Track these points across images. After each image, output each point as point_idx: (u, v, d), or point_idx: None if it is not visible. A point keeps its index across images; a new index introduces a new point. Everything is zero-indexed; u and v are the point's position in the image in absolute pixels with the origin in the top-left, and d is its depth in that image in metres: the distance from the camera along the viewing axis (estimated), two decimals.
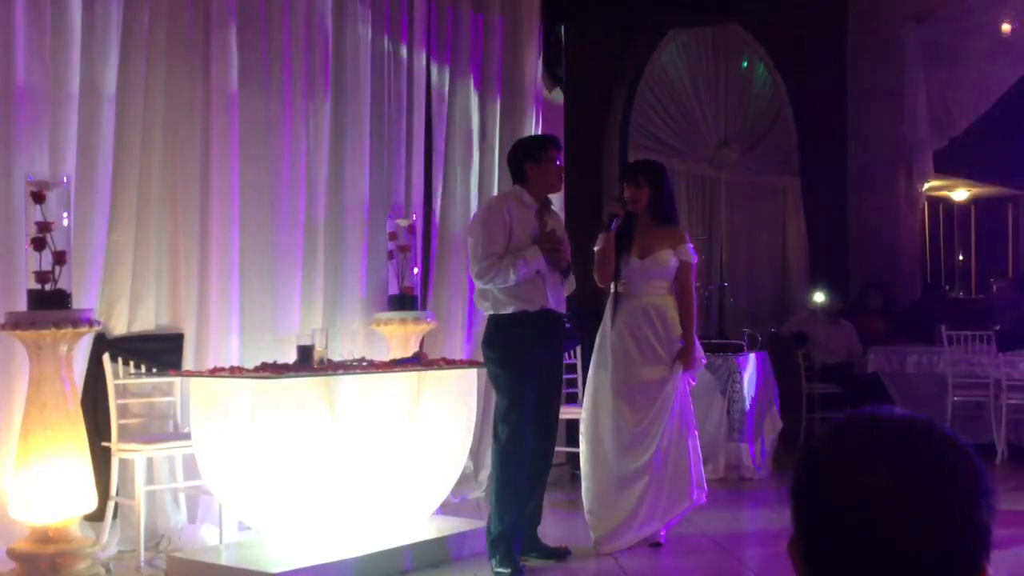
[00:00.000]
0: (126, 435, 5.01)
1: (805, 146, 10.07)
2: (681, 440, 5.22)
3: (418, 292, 6.30)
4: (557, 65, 7.44)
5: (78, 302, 4.61)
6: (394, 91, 6.49)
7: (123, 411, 5.09)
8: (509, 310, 4.87)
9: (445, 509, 5.56)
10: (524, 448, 4.83)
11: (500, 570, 4.76)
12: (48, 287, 4.38)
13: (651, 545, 5.24)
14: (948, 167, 10.61)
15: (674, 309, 5.25)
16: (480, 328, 6.28)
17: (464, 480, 6.12)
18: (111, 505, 5.00)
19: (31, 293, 4.43)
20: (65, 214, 4.47)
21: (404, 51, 6.54)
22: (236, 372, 4.78)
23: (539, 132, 6.90)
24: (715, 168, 9.46)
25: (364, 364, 5.13)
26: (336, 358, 5.35)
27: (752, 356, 7.61)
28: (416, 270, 6.30)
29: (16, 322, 4.36)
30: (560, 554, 5.08)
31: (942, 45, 9.91)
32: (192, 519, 5.38)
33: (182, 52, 5.42)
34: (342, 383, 4.79)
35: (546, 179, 4.99)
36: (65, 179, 4.56)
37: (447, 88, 6.78)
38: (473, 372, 5.39)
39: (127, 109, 5.23)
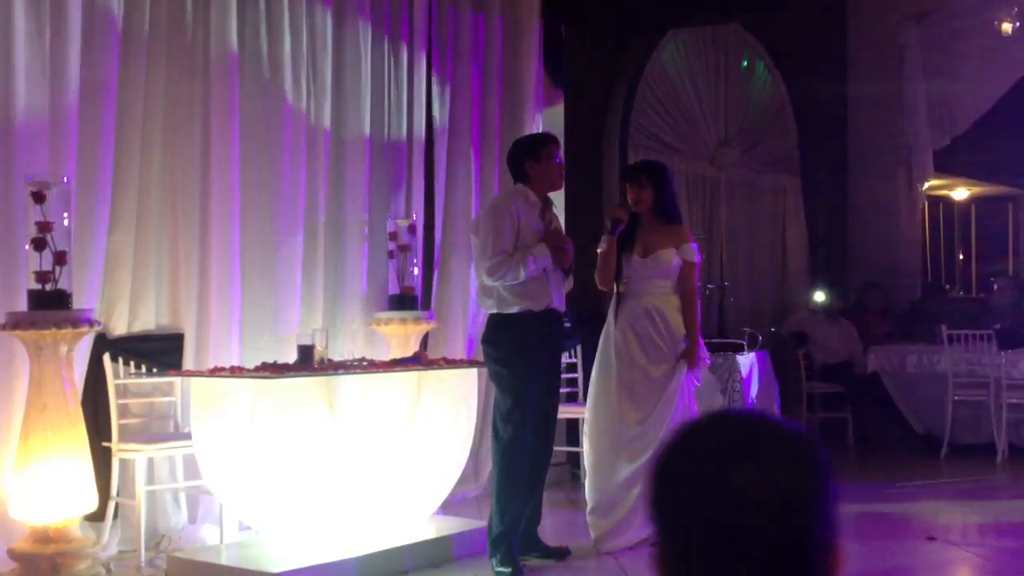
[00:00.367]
0: (126, 435, 5.01)
1: (805, 146, 10.07)
2: None
3: (419, 292, 6.30)
4: (557, 65, 7.44)
5: (78, 302, 4.61)
6: (394, 91, 6.49)
7: (123, 411, 5.09)
8: (514, 309, 4.87)
9: (445, 509, 5.56)
10: (526, 447, 4.83)
11: (500, 569, 4.76)
12: (48, 287, 4.38)
13: (652, 545, 5.23)
14: (948, 166, 10.60)
15: (676, 309, 5.24)
16: (480, 327, 6.28)
17: (464, 480, 6.12)
18: (111, 505, 5.00)
19: (31, 293, 4.43)
20: (65, 214, 4.47)
21: (404, 51, 6.54)
22: (236, 372, 4.78)
23: (539, 132, 6.90)
24: (715, 167, 9.46)
25: (364, 364, 5.13)
26: (336, 358, 5.35)
27: (752, 355, 7.61)
28: (416, 270, 6.30)
29: (16, 322, 4.36)
30: (560, 554, 5.08)
31: (942, 45, 9.91)
32: (192, 519, 5.38)
33: (182, 52, 5.42)
34: (342, 383, 4.79)
35: (547, 177, 5.00)
36: (65, 179, 4.56)
37: (447, 88, 6.79)
38: (474, 372, 5.39)
39: (127, 109, 5.23)
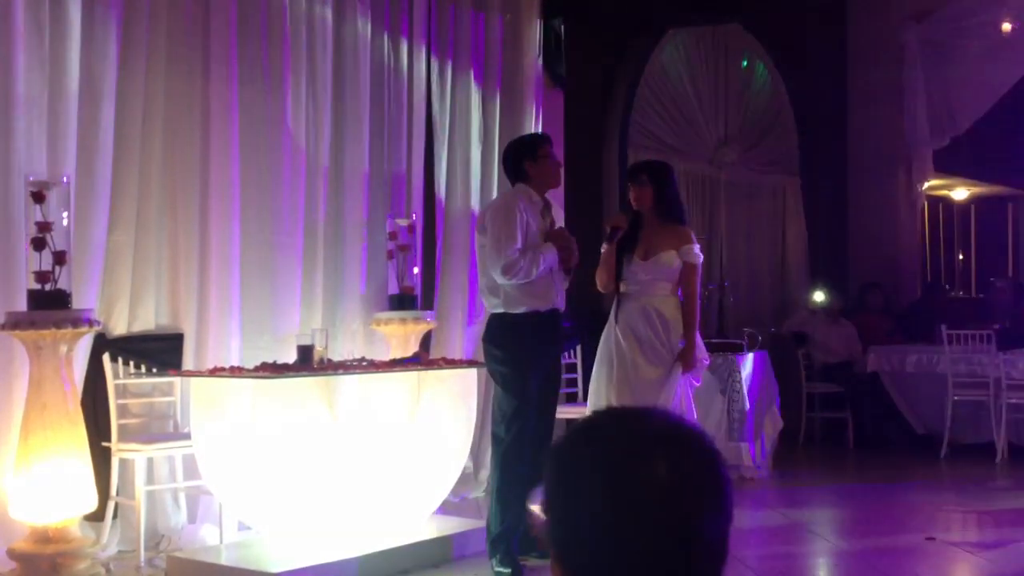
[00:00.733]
0: (126, 435, 5.01)
1: (805, 146, 10.07)
2: None
3: (418, 292, 6.30)
4: (557, 64, 7.44)
5: (78, 302, 4.60)
6: (394, 90, 6.49)
7: (123, 411, 5.09)
8: (521, 309, 4.86)
9: (445, 509, 5.56)
10: (527, 447, 4.84)
11: (500, 569, 4.76)
12: (48, 287, 4.37)
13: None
14: (948, 166, 10.61)
15: (676, 310, 5.23)
16: (480, 327, 6.28)
17: (464, 480, 6.12)
18: (111, 505, 4.99)
19: (31, 293, 4.43)
20: (65, 214, 4.47)
21: (404, 50, 6.54)
22: (236, 372, 4.78)
23: (539, 131, 6.90)
24: (715, 168, 9.46)
25: (364, 364, 5.13)
26: (336, 358, 5.35)
27: (752, 355, 7.61)
28: (416, 269, 6.29)
29: (16, 322, 4.36)
30: None
31: (942, 45, 9.91)
32: (192, 519, 5.38)
33: (182, 52, 5.42)
34: (342, 383, 4.79)
35: (546, 175, 5.00)
36: (65, 179, 4.56)
37: (447, 87, 6.79)
38: (473, 372, 5.39)
39: (127, 109, 5.23)
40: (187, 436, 4.90)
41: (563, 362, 6.36)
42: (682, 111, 9.07)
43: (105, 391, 5.04)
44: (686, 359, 5.20)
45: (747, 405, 7.30)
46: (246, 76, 5.61)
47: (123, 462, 5.00)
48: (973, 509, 6.42)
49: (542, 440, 4.98)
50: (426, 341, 6.30)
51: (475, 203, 6.75)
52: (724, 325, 9.05)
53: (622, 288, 5.30)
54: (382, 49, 6.41)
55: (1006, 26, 9.48)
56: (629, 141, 8.33)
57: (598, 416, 1.20)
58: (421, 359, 5.35)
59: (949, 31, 9.86)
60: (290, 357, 4.99)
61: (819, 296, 9.40)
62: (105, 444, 4.97)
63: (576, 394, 6.99)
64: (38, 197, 4.40)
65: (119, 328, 5.26)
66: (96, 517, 4.87)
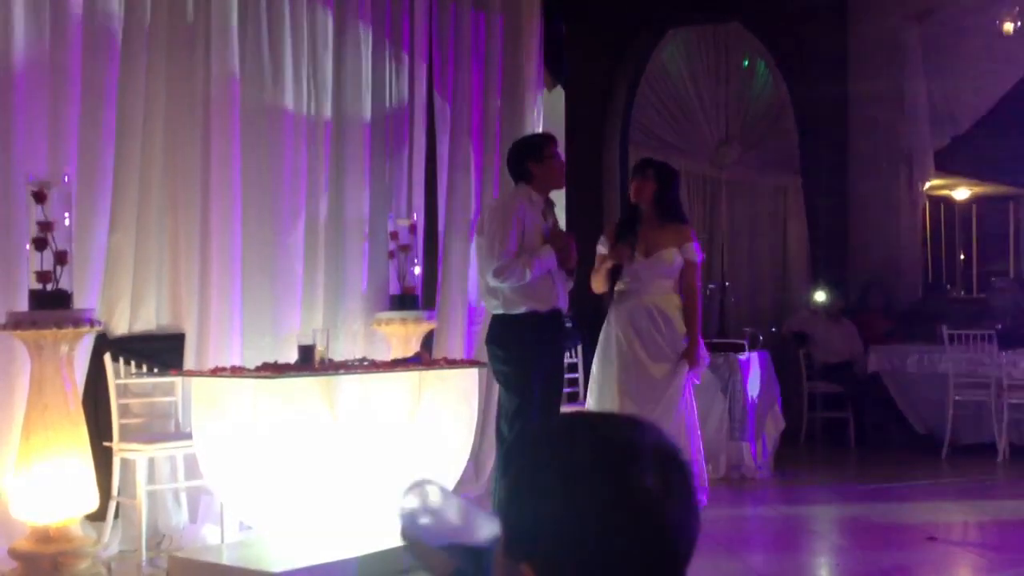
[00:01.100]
0: (127, 435, 5.01)
1: (805, 145, 10.07)
2: (684, 440, 5.22)
3: (419, 292, 6.30)
4: (558, 64, 7.44)
5: (79, 302, 4.60)
6: (395, 89, 6.49)
7: (124, 411, 5.09)
8: (521, 310, 4.86)
9: None
10: None
11: None
12: (49, 287, 4.37)
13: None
14: (949, 166, 10.60)
15: (677, 308, 5.25)
16: (480, 327, 6.28)
17: (464, 480, 6.12)
18: (112, 505, 4.99)
19: (32, 293, 4.43)
20: (66, 214, 4.47)
21: (405, 49, 6.55)
22: (237, 372, 4.78)
23: (540, 130, 6.90)
24: (716, 167, 9.46)
25: (365, 364, 5.13)
26: (337, 358, 5.35)
27: (753, 355, 7.61)
28: (417, 270, 6.29)
29: (17, 322, 4.36)
30: None
31: (943, 45, 9.91)
32: (193, 519, 5.38)
33: (182, 51, 5.42)
34: (343, 383, 4.79)
35: (551, 175, 5.00)
36: (66, 178, 4.56)
37: (448, 86, 6.79)
38: (474, 372, 5.39)
39: (127, 109, 5.23)
40: (188, 436, 4.90)
41: (565, 362, 6.36)
42: (683, 110, 9.07)
43: (106, 391, 5.04)
44: (690, 356, 5.21)
45: (748, 405, 7.30)
46: (247, 75, 5.61)
47: (124, 462, 5.00)
48: (974, 509, 6.42)
49: None
50: (427, 341, 6.30)
51: (475, 203, 6.75)
52: (725, 325, 9.05)
53: (621, 286, 5.31)
54: (383, 48, 6.41)
55: (1007, 26, 9.47)
56: (630, 140, 8.34)
57: (568, 421, 1.16)
58: (422, 359, 5.35)
59: (950, 31, 9.85)
60: (291, 357, 4.99)
61: (820, 296, 9.40)
62: (106, 444, 4.97)
63: (577, 394, 6.98)
64: (39, 197, 4.40)
65: (120, 328, 5.27)
66: (97, 517, 4.87)
